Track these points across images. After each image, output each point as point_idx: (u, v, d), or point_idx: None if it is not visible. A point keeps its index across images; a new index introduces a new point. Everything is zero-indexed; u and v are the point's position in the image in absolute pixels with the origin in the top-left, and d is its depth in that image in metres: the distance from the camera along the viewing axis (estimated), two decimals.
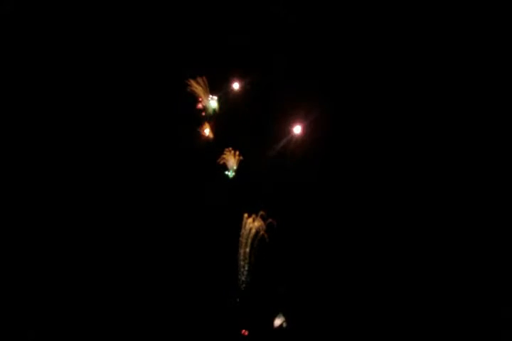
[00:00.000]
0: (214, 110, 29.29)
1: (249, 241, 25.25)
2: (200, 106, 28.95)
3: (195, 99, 28.57)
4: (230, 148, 27.65)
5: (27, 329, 21.09)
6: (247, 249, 25.19)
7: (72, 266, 23.06)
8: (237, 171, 27.42)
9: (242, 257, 25.05)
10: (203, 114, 28.76)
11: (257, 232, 25.43)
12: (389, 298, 24.99)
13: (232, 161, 27.36)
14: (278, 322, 25.02)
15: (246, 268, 25.02)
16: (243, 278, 24.92)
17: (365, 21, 28.17)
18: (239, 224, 25.39)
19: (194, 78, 28.72)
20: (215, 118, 29.08)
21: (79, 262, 23.20)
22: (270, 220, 25.73)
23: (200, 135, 27.98)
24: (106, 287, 22.90)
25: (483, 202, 24.91)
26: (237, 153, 27.64)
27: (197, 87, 28.56)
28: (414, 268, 25.27)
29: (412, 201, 26.30)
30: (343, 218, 26.73)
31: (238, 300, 24.67)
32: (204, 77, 28.97)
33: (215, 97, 29.50)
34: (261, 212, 25.77)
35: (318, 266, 25.86)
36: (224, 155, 27.43)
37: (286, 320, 25.00)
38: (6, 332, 20.56)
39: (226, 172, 27.37)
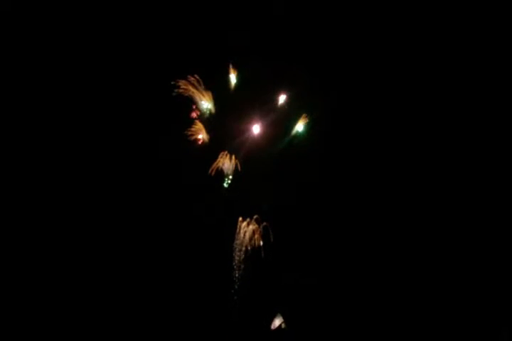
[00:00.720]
0: (209, 111, 28.43)
1: (244, 245, 25.34)
2: (194, 114, 27.65)
3: (188, 103, 27.62)
4: (226, 152, 27.03)
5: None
6: (242, 253, 25.30)
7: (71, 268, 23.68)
8: (233, 177, 26.90)
9: (237, 261, 25.20)
10: (198, 122, 27.56)
11: (252, 236, 25.50)
12: (389, 298, 24.94)
13: (227, 166, 26.78)
14: (277, 323, 25.25)
15: (241, 272, 25.19)
16: (239, 282, 25.15)
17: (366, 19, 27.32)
18: (233, 229, 25.53)
19: (185, 78, 27.31)
20: (211, 120, 28.28)
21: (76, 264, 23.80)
22: (265, 223, 25.73)
23: (194, 140, 27.28)
24: (102, 291, 23.55)
25: (484, 202, 24.46)
26: (233, 156, 27.00)
27: (190, 89, 27.56)
28: (414, 270, 25.11)
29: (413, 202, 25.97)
30: (342, 219, 26.60)
31: (236, 299, 24.93)
32: (196, 75, 27.56)
33: (210, 95, 28.03)
34: (255, 216, 25.75)
35: (317, 267, 25.90)
36: (220, 159, 26.80)
37: (285, 321, 25.21)
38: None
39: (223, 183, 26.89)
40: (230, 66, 28.91)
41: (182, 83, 27.31)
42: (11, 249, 23.01)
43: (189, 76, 27.49)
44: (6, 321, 21.52)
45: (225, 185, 26.73)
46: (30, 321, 22.02)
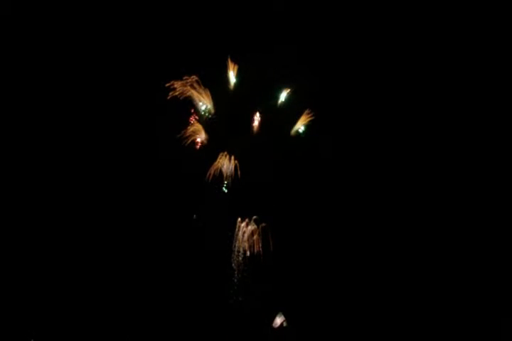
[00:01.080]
0: (208, 112, 28.27)
1: (243, 245, 25.48)
2: (192, 118, 27.38)
3: (186, 105, 27.43)
4: (225, 153, 26.90)
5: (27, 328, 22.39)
6: (241, 253, 25.46)
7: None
8: (232, 178, 26.80)
9: (236, 262, 25.40)
10: (197, 123, 27.33)
11: (251, 237, 25.61)
12: (389, 298, 24.91)
13: (226, 167, 26.63)
14: (278, 321, 25.47)
15: (240, 272, 25.38)
16: (239, 281, 25.38)
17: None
18: (233, 229, 25.68)
19: (181, 79, 26.93)
20: (210, 121, 28.17)
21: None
22: (264, 224, 25.78)
23: (193, 142, 27.24)
24: (104, 292, 24.07)
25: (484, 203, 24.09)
26: (233, 157, 26.80)
27: (188, 90, 27.28)
28: (414, 270, 24.99)
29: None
30: (342, 219, 26.52)
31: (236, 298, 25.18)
32: (194, 76, 27.20)
33: (209, 94, 27.61)
34: (254, 217, 25.80)
35: (317, 267, 25.95)
36: (219, 160, 26.72)
37: (287, 320, 25.41)
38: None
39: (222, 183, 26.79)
40: (229, 64, 28.71)
41: (179, 84, 27.02)
42: (11, 249, 23.63)
43: (186, 76, 27.20)
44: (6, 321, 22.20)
45: (224, 185, 26.80)
46: (30, 321, 22.75)
